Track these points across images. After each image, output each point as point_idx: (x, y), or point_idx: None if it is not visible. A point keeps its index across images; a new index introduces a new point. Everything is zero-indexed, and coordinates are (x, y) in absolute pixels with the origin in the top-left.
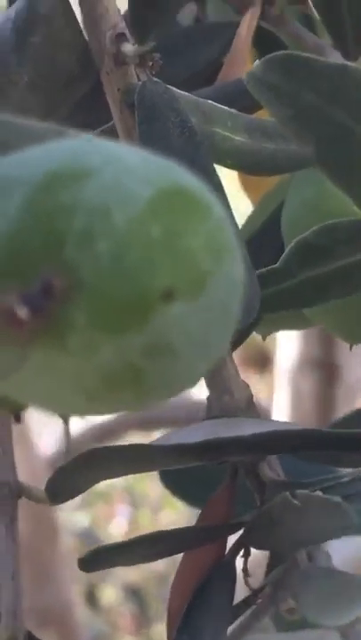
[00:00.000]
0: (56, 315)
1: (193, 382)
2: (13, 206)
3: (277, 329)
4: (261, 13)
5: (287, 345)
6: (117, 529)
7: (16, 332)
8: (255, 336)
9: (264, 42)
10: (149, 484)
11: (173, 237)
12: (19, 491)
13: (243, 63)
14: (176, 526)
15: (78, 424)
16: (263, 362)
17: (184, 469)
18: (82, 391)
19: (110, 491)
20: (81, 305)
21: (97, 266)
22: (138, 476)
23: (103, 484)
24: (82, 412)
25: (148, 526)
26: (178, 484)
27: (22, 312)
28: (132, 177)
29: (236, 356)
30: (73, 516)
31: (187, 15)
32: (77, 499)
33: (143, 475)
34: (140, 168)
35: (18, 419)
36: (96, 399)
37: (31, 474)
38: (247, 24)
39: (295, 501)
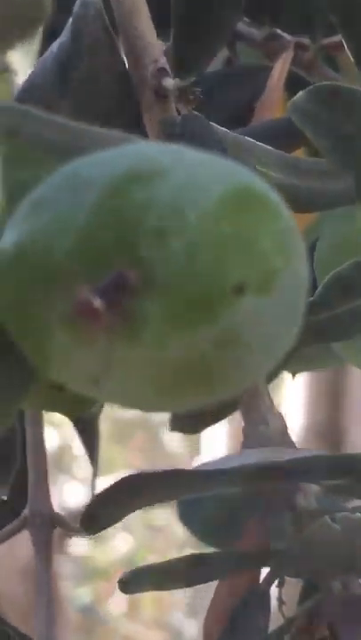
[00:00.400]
0: (130, 309)
1: (259, 376)
2: (86, 204)
3: (307, 367)
4: (294, 58)
5: (293, 413)
6: (117, 606)
7: (92, 326)
8: None
9: (296, 86)
10: (150, 558)
11: (245, 234)
12: (53, 521)
13: (275, 108)
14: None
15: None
16: None
17: (206, 509)
18: (155, 385)
19: (109, 567)
20: (154, 299)
21: (170, 261)
22: (138, 551)
23: (103, 561)
24: (151, 408)
25: (148, 604)
26: (198, 525)
27: (98, 304)
28: (202, 176)
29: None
30: (74, 591)
31: (218, 58)
32: (79, 573)
33: (144, 549)
34: (210, 168)
35: (77, 422)
36: (168, 393)
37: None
38: (280, 69)
39: (336, 525)
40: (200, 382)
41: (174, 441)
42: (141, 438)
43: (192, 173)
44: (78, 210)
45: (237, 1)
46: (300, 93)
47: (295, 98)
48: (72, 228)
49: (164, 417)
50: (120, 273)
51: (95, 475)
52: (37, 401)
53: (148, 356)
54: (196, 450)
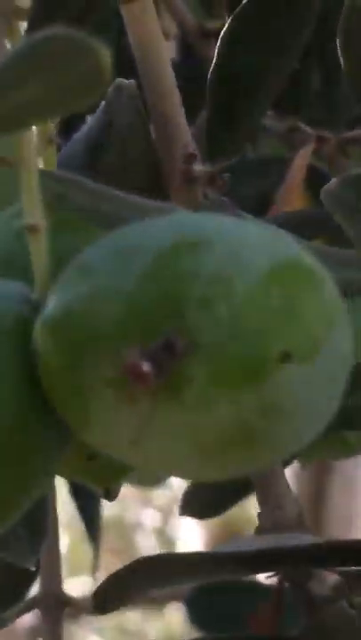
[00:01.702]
0: (176, 373)
1: (299, 447)
2: (134, 271)
3: (319, 455)
4: (314, 150)
5: None
6: None
7: (142, 389)
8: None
9: (315, 179)
10: None
11: (290, 304)
12: (64, 601)
13: (294, 200)
14: None
15: None
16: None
17: (212, 605)
18: (196, 449)
19: None
20: (200, 362)
21: (217, 327)
22: None
23: None
24: (194, 474)
25: None
26: (204, 620)
27: (146, 367)
28: (249, 247)
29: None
30: None
31: None
32: None
33: None
34: (255, 238)
35: (108, 494)
36: (209, 458)
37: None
38: (301, 161)
39: (352, 610)
40: (241, 448)
41: (147, 542)
42: (114, 540)
43: (237, 243)
44: (126, 277)
45: (270, 90)
46: (333, 180)
47: (328, 184)
48: (120, 294)
49: (136, 518)
50: (168, 339)
51: (97, 557)
52: (67, 470)
53: (191, 418)
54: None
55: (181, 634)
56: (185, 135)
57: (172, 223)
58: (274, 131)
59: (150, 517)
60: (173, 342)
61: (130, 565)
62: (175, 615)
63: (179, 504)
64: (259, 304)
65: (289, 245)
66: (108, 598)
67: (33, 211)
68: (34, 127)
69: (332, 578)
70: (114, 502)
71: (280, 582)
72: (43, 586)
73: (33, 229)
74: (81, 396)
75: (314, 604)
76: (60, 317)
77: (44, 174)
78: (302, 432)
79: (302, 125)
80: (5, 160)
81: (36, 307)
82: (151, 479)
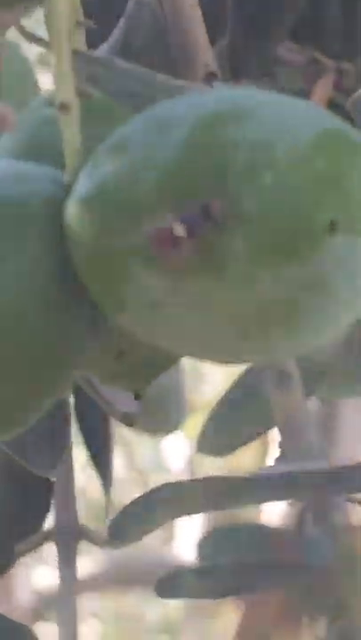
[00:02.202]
0: (215, 243)
1: (341, 327)
2: (174, 141)
3: (339, 395)
4: (334, 83)
5: None
6: None
7: (173, 256)
8: None
9: (335, 113)
10: None
11: (337, 173)
12: (79, 533)
13: None
14: None
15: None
16: None
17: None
18: (235, 327)
19: None
20: (243, 235)
21: (261, 197)
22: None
23: None
24: (230, 355)
25: None
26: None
27: (180, 231)
28: (293, 117)
29: None
30: None
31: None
32: None
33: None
34: (301, 111)
35: (138, 397)
36: (249, 337)
37: None
38: (320, 93)
39: None
40: (283, 325)
41: None
42: None
43: (281, 113)
44: (166, 147)
45: (295, 5)
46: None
47: (356, 95)
48: (160, 163)
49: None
50: (205, 202)
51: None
52: (96, 372)
53: (232, 295)
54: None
55: (180, 618)
56: (206, 54)
57: (211, 95)
58: (293, 63)
59: None
60: (211, 206)
61: (149, 492)
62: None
63: (195, 442)
64: (304, 172)
65: (334, 118)
66: (126, 528)
67: (65, 87)
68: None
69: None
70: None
71: (302, 511)
72: (57, 518)
73: (65, 107)
74: (113, 269)
75: (337, 534)
76: (93, 191)
77: (74, 54)
78: (346, 309)
79: (321, 58)
80: (40, 39)
81: (68, 189)
82: (167, 421)
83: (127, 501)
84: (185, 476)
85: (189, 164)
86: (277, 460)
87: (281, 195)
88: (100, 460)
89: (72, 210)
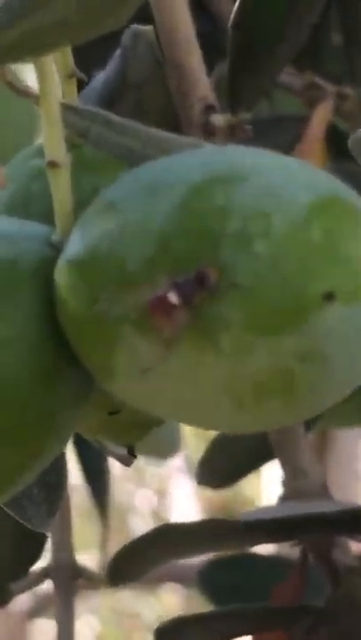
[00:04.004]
0: (209, 312)
1: (341, 396)
2: (167, 207)
3: (335, 424)
4: (333, 108)
5: None
6: None
7: (167, 324)
8: None
9: (336, 138)
10: None
11: (333, 242)
12: (77, 572)
13: (314, 157)
14: None
15: None
16: None
17: (228, 580)
18: (230, 397)
19: None
20: (237, 304)
21: (255, 266)
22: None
23: None
24: (224, 425)
25: None
26: (218, 595)
27: (173, 298)
28: (285, 181)
29: None
30: None
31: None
32: None
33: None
34: (295, 173)
35: (132, 452)
36: (244, 407)
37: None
38: (319, 118)
39: None
40: (279, 397)
41: (141, 523)
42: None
43: (275, 176)
44: (158, 212)
45: (297, 37)
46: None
47: (357, 133)
48: (152, 229)
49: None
50: (200, 271)
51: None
52: (90, 426)
53: (226, 365)
54: None
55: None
56: (203, 86)
57: (203, 157)
58: (293, 88)
59: (143, 498)
60: (206, 275)
61: (147, 534)
62: (171, 596)
63: (195, 473)
64: (300, 241)
65: (330, 180)
66: (124, 568)
67: (55, 146)
68: (54, 61)
69: (356, 548)
70: None
71: (304, 552)
72: (55, 557)
73: (54, 166)
74: (103, 335)
75: (339, 574)
76: (84, 255)
77: (66, 108)
78: (344, 379)
79: (321, 82)
80: (28, 92)
81: (58, 248)
82: (167, 447)
83: (123, 498)
84: (182, 474)
85: (183, 231)
86: (280, 499)
87: (275, 265)
88: (100, 501)
89: (62, 273)
